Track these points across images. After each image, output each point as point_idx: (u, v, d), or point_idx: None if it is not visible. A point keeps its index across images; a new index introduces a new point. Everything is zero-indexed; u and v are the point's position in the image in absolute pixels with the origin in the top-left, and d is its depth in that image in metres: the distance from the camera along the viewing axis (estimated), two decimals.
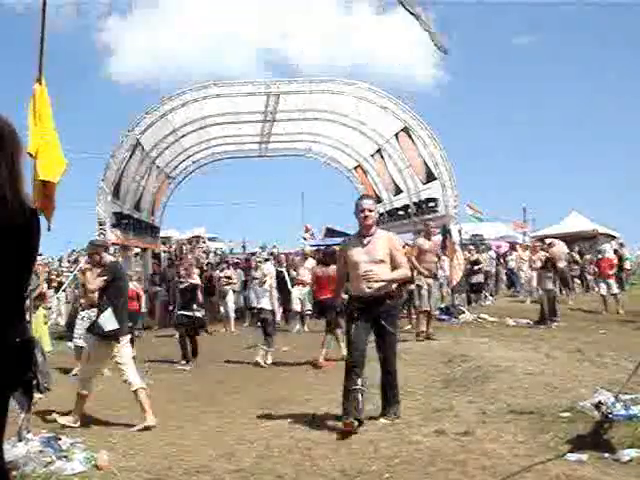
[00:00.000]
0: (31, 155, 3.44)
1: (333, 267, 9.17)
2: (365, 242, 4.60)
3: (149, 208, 16.74)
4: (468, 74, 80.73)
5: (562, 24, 74.21)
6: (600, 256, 14.15)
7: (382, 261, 4.53)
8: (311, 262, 12.30)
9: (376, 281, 4.43)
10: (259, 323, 8.83)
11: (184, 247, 23.88)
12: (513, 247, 20.72)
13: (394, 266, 4.60)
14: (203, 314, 9.12)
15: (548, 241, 13.74)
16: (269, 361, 8.17)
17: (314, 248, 15.99)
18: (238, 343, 10.70)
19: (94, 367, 5.31)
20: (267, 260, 12.83)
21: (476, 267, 15.12)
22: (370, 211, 4.63)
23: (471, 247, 16.88)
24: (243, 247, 24.05)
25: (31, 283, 3.13)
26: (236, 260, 17.68)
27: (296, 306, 12.17)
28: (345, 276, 4.84)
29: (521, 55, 79.94)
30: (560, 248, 14.00)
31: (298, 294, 12.09)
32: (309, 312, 12.12)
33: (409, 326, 10.70)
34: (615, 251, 15.93)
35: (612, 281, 13.05)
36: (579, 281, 18.41)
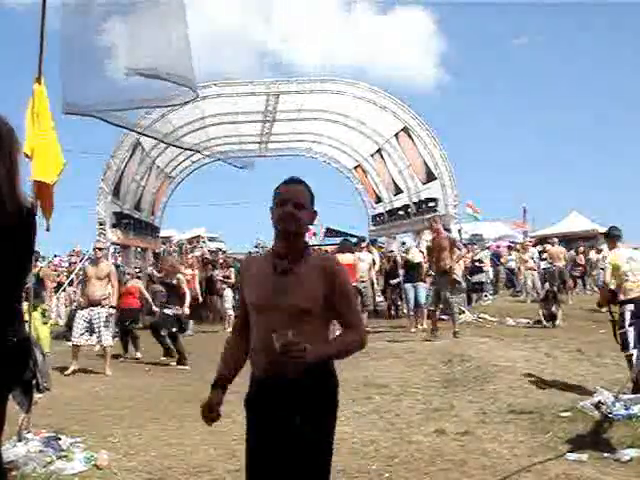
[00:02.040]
0: (27, 155, 3.44)
1: (348, 255, 9.03)
2: (280, 270, 2.20)
3: (149, 208, 16.76)
4: (468, 74, 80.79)
5: (562, 24, 74.24)
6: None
7: (305, 312, 2.14)
8: None
9: (298, 361, 2.02)
10: None
11: (184, 247, 23.90)
12: (512, 247, 20.75)
13: (344, 322, 2.25)
14: (183, 314, 8.96)
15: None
16: None
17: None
18: None
19: None
20: None
21: (479, 265, 15.16)
22: (299, 206, 2.18)
23: (469, 246, 16.89)
24: (256, 247, 24.00)
25: (29, 282, 3.13)
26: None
27: None
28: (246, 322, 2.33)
29: (521, 55, 79.95)
30: (558, 248, 14.06)
31: None
32: None
33: (414, 329, 10.71)
34: None
35: None
36: (580, 281, 18.43)
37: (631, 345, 5.21)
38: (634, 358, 5.15)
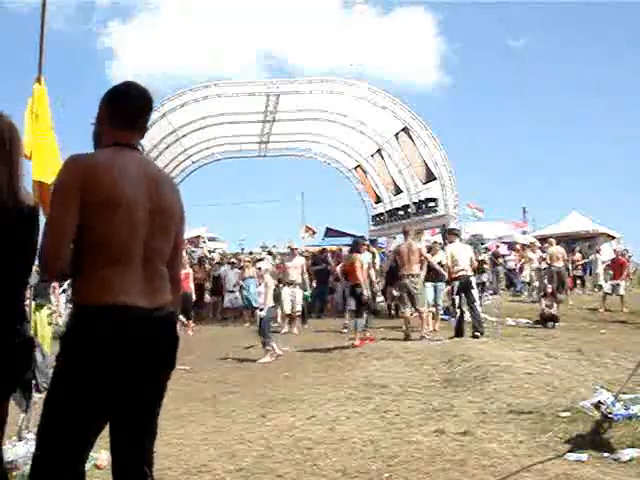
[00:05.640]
0: (26, 156, 3.43)
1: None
2: None
3: None
4: (468, 74, 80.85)
5: (560, 25, 74.28)
6: (614, 257, 14.00)
7: None
8: (300, 260, 12.28)
9: None
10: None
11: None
12: (512, 247, 20.74)
13: None
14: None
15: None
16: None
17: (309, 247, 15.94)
18: (238, 343, 10.70)
19: None
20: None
21: (482, 266, 15.20)
22: None
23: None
24: (262, 247, 24.13)
25: (31, 282, 3.13)
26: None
27: (286, 309, 11.80)
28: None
29: (520, 56, 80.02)
30: (557, 248, 14.05)
31: (289, 294, 11.67)
32: (299, 313, 11.80)
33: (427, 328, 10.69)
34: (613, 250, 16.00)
35: (623, 282, 13.07)
36: (580, 281, 18.46)
37: (456, 306, 8.78)
38: (457, 315, 8.74)
